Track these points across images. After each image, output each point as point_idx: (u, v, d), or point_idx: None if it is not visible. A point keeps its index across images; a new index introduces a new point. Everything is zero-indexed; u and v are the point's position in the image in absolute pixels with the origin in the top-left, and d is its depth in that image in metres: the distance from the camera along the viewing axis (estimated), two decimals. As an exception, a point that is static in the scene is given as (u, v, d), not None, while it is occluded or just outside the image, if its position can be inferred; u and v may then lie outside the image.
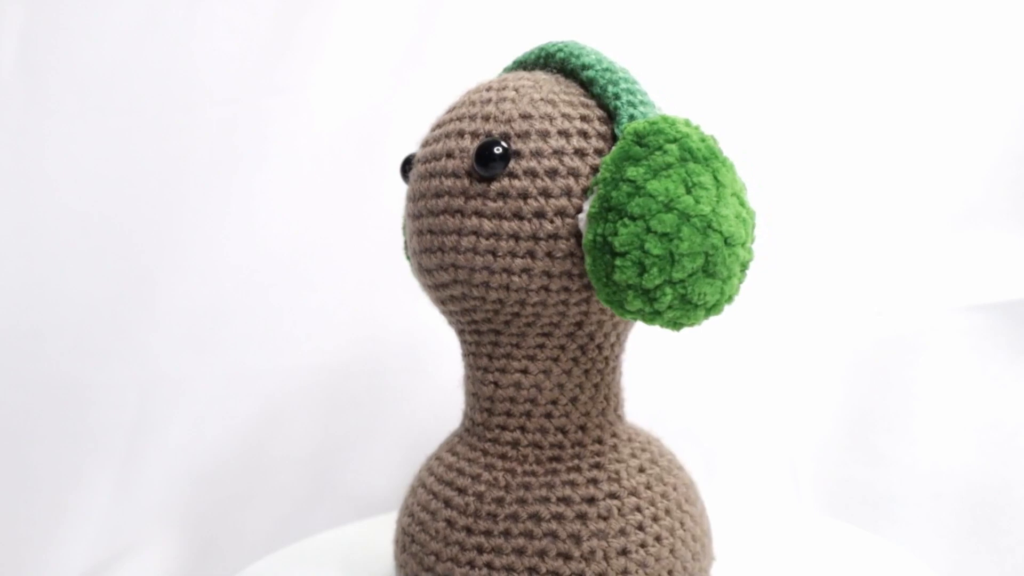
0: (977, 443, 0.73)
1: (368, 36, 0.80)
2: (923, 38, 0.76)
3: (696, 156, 0.37)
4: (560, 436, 0.46)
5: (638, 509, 0.44)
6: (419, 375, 0.80)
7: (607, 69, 0.42)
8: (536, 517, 0.44)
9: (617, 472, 0.45)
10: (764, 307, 0.79)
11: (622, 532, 0.43)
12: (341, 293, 0.81)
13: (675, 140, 0.37)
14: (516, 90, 0.43)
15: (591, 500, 0.44)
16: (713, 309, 0.39)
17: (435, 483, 0.48)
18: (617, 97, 0.41)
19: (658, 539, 0.44)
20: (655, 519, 0.44)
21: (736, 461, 0.79)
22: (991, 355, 0.74)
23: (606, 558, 0.43)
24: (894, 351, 0.76)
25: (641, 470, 0.46)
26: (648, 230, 0.36)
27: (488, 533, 0.45)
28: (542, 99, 0.42)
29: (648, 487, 0.45)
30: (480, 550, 0.45)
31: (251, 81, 0.80)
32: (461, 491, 0.47)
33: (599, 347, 0.46)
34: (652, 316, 0.38)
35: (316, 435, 0.81)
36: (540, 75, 0.45)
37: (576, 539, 0.43)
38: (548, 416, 0.46)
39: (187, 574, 0.78)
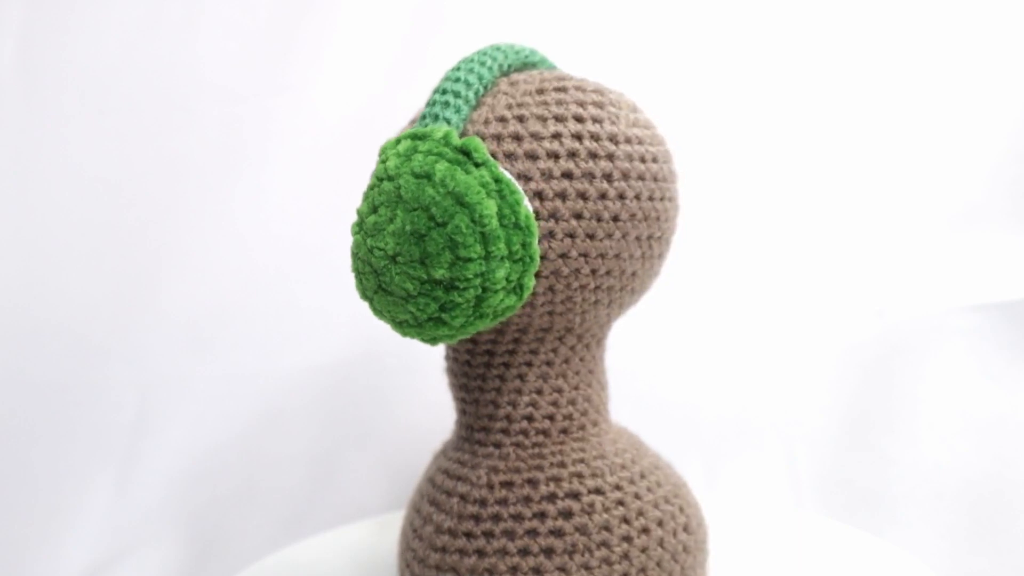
0: (977, 443, 0.73)
1: (372, 35, 0.80)
2: (923, 38, 0.76)
3: (388, 174, 0.37)
4: (502, 436, 0.46)
5: (542, 514, 0.44)
6: (419, 375, 0.80)
7: (445, 75, 0.42)
8: (447, 510, 0.46)
9: (526, 478, 0.45)
10: (765, 307, 0.79)
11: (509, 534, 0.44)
12: (341, 293, 0.81)
13: (383, 161, 0.38)
14: None
15: (503, 502, 0.45)
16: (432, 326, 0.37)
17: (424, 482, 0.50)
18: (427, 105, 0.41)
19: (548, 552, 0.43)
20: (556, 532, 0.44)
21: (736, 461, 0.79)
22: (991, 355, 0.74)
23: (479, 553, 0.44)
24: (894, 351, 0.76)
25: (577, 477, 0.45)
26: (352, 250, 0.39)
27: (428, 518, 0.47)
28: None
29: (574, 496, 0.44)
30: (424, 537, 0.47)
31: (251, 81, 0.80)
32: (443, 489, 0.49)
33: (534, 352, 0.45)
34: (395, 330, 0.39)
35: (316, 435, 0.81)
36: None
37: (469, 536, 0.45)
38: (506, 419, 0.46)
39: (187, 574, 0.78)
